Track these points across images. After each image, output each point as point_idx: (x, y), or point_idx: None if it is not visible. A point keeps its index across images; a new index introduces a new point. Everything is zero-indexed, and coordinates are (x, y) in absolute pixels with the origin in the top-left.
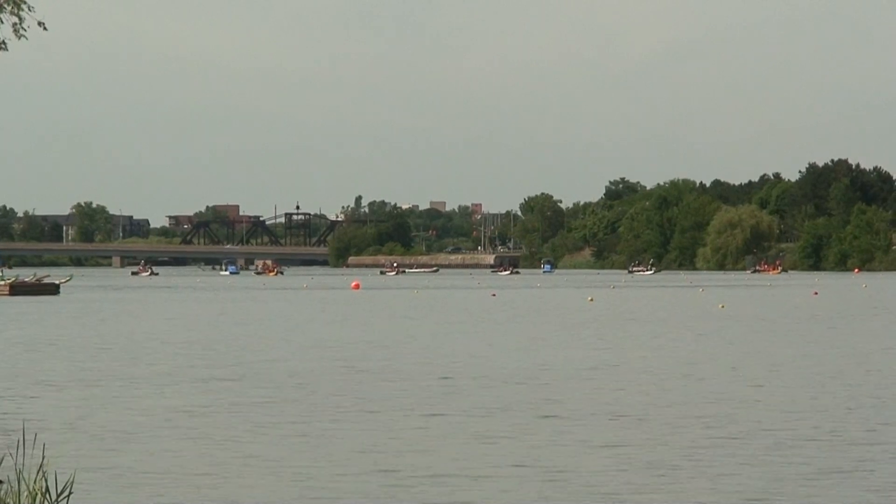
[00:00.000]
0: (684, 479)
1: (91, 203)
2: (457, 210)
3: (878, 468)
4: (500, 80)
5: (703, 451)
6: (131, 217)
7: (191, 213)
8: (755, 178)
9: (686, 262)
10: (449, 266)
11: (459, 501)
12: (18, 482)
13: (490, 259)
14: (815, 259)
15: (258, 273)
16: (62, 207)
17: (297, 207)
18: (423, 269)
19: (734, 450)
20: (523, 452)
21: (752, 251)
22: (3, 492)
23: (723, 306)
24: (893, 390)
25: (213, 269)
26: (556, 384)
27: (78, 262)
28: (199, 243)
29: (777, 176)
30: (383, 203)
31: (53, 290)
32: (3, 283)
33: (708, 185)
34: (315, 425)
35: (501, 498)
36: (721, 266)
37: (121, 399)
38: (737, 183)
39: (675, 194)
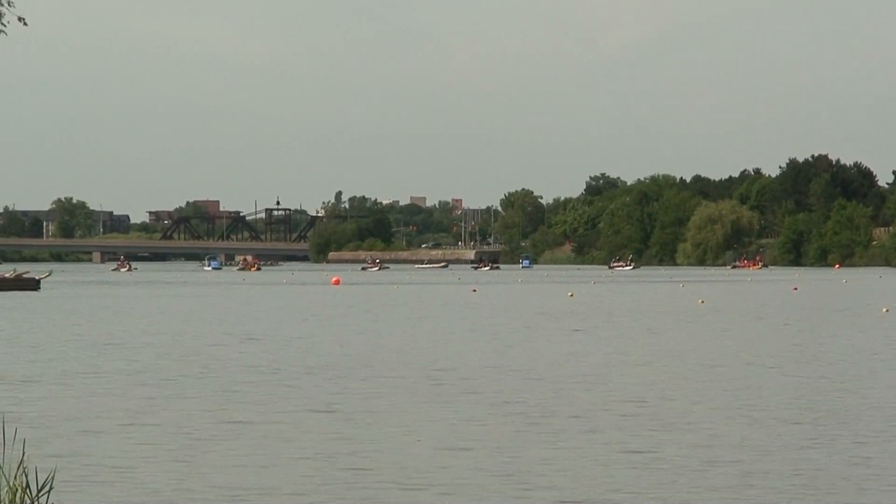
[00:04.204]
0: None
1: (71, 198)
2: (437, 205)
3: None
4: (480, 75)
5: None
6: (111, 212)
7: (171, 209)
8: (735, 174)
9: (666, 257)
10: (430, 261)
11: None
12: None
13: (470, 255)
14: (795, 255)
15: (240, 269)
16: (42, 203)
17: (278, 203)
18: (432, 265)
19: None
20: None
21: (733, 247)
22: None
23: (702, 301)
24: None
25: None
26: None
27: (58, 257)
28: (179, 239)
29: (757, 171)
30: (364, 198)
31: (34, 285)
32: None
33: (688, 180)
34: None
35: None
36: (701, 262)
37: (102, 395)
38: (717, 178)
39: (655, 190)
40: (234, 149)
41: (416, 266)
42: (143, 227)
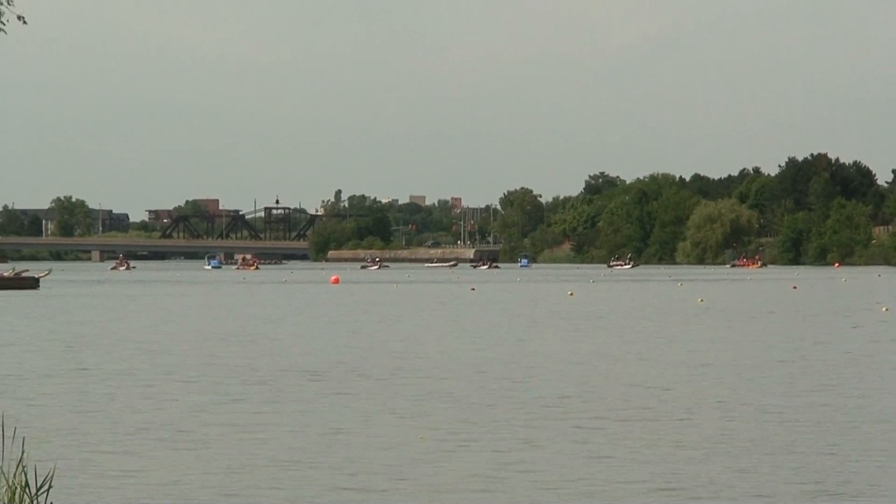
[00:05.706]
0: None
1: (71, 197)
2: (437, 204)
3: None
4: (480, 74)
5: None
6: (111, 211)
7: (170, 208)
8: (735, 173)
9: (666, 256)
10: (439, 260)
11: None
12: None
13: (470, 253)
14: (794, 253)
15: (237, 268)
16: (42, 201)
17: (277, 201)
18: (440, 264)
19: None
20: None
21: (732, 245)
22: None
23: (701, 300)
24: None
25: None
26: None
27: (57, 256)
28: (178, 237)
29: (757, 170)
30: (363, 197)
31: (33, 284)
32: None
33: (688, 179)
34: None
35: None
36: (701, 260)
37: (101, 394)
38: (716, 177)
39: (654, 189)
40: (233, 148)
41: (426, 265)
42: (143, 226)
